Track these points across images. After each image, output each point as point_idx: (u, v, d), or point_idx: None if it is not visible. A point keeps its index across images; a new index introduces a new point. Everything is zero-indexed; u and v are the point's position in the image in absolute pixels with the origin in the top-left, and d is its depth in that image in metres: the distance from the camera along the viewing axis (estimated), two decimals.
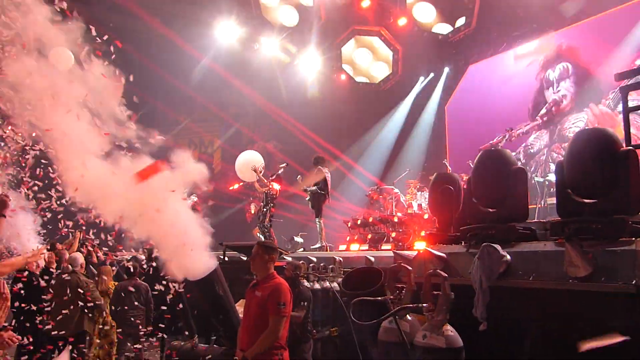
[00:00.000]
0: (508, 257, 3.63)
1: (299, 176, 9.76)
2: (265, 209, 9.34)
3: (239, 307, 5.37)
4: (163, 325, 6.59)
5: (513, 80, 12.80)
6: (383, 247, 9.54)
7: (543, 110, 12.11)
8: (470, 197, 4.48)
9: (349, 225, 11.08)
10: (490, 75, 13.47)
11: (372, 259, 6.06)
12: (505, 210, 4.06)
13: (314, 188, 9.31)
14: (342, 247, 10.76)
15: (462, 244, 4.33)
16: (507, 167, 4.16)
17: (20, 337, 3.02)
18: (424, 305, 3.46)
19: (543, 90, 12.19)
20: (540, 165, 11.84)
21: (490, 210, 4.16)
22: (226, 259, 7.79)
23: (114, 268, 7.67)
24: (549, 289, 3.40)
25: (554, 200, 8.79)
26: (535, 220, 8.10)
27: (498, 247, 3.69)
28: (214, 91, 15.45)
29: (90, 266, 7.22)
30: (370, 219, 10.59)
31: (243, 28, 14.58)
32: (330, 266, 6.82)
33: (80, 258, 6.42)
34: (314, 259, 7.15)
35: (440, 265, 4.00)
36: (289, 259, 6.85)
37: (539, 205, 9.97)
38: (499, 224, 4.02)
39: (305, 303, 5.69)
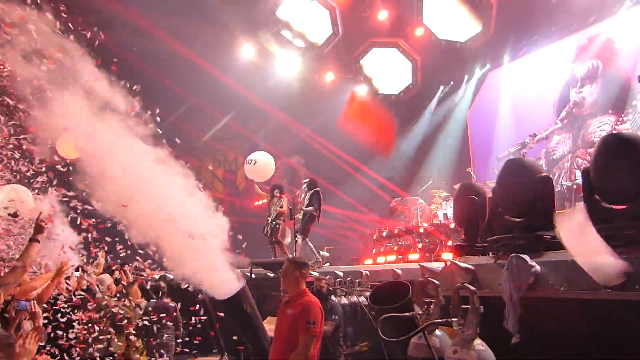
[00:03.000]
0: (537, 267, 3.55)
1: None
2: (274, 223, 9.35)
3: (267, 325, 5.39)
4: (193, 344, 6.66)
5: (535, 84, 12.60)
6: (410, 259, 9.46)
7: (563, 113, 11.66)
8: (496, 207, 4.42)
9: (375, 238, 11.03)
10: (511, 80, 13.32)
11: (399, 272, 6.02)
12: (532, 219, 3.98)
13: (311, 208, 9.19)
14: (369, 260, 10.70)
15: (490, 255, 4.26)
16: (532, 175, 4.09)
17: None
18: (453, 319, 3.41)
19: (569, 88, 11.68)
20: (564, 172, 11.23)
21: (517, 219, 4.09)
22: (253, 276, 7.84)
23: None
24: (581, 299, 3.32)
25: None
26: None
27: (526, 257, 3.61)
28: (236, 109, 15.67)
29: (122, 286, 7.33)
30: (396, 231, 10.54)
31: (263, 46, 14.80)
32: (357, 280, 6.79)
33: (107, 279, 6.53)
34: (341, 274, 7.14)
35: (468, 278, 3.95)
36: (316, 274, 6.86)
37: (569, 210, 9.71)
38: (526, 234, 3.95)
39: (337, 317, 5.68)
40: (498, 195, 4.43)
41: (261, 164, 9.24)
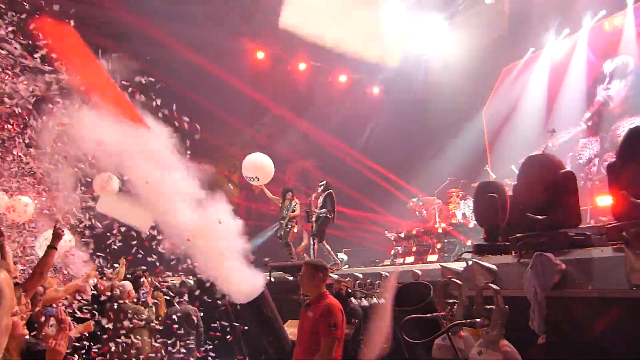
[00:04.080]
0: (563, 265, 3.48)
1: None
2: (287, 226, 9.32)
3: (288, 328, 5.38)
4: (214, 349, 6.68)
5: (554, 79, 12.35)
6: (429, 259, 9.37)
7: (587, 114, 11.05)
8: (517, 204, 4.35)
9: (393, 239, 10.95)
10: (526, 76, 13.11)
11: (419, 273, 5.96)
12: (556, 216, 3.90)
13: (324, 210, 9.13)
14: (387, 261, 10.63)
15: (512, 254, 4.19)
16: (554, 171, 4.01)
17: None
18: (478, 320, 3.35)
19: (595, 86, 11.01)
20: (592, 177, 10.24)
21: (540, 217, 4.01)
22: (272, 279, 7.83)
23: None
24: (609, 298, 3.23)
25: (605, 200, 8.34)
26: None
27: (551, 255, 3.54)
28: (249, 114, 15.73)
29: (142, 292, 7.39)
30: (414, 231, 10.44)
31: (274, 50, 14.86)
32: (377, 282, 6.73)
33: (128, 286, 6.60)
34: (360, 275, 7.09)
35: (491, 278, 3.88)
36: (335, 276, 6.82)
37: (590, 207, 9.47)
38: (550, 231, 3.87)
39: (357, 320, 5.65)
40: (519, 192, 4.36)
41: (261, 172, 9.00)
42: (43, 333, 3.56)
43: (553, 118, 11.68)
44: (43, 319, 3.73)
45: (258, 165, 8.79)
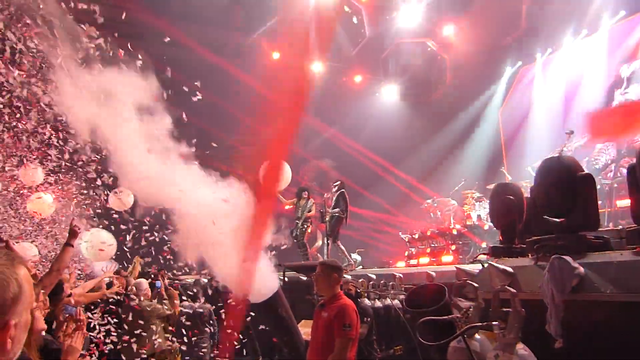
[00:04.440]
0: (581, 269, 3.43)
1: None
2: (303, 226, 9.32)
3: (302, 328, 5.39)
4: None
5: (569, 81, 12.19)
6: (443, 261, 9.32)
7: None
8: (534, 207, 4.30)
9: (407, 240, 10.90)
10: (543, 77, 12.96)
11: (434, 274, 5.93)
12: (574, 219, 3.85)
13: (337, 210, 9.11)
14: (401, 262, 10.59)
15: (529, 256, 4.15)
16: (572, 173, 3.96)
17: None
18: (494, 323, 3.32)
19: (613, 90, 10.83)
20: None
21: (557, 220, 3.96)
22: (286, 279, 7.84)
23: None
24: (629, 302, 3.18)
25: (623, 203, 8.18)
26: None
27: (569, 258, 3.49)
28: (264, 114, 15.73)
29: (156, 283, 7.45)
30: (429, 233, 10.39)
31: (289, 50, 14.86)
32: (391, 283, 6.72)
33: (144, 283, 6.66)
34: (374, 277, 7.08)
35: (507, 280, 3.84)
36: (348, 277, 6.82)
37: (608, 209, 9.30)
38: (568, 234, 3.82)
39: (368, 319, 5.65)
40: (536, 194, 4.31)
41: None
42: (61, 331, 3.61)
43: (570, 120, 11.51)
44: (62, 317, 3.79)
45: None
